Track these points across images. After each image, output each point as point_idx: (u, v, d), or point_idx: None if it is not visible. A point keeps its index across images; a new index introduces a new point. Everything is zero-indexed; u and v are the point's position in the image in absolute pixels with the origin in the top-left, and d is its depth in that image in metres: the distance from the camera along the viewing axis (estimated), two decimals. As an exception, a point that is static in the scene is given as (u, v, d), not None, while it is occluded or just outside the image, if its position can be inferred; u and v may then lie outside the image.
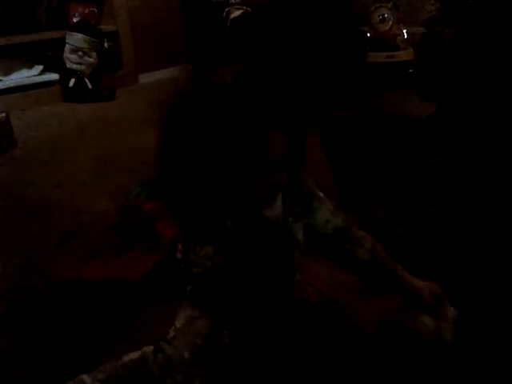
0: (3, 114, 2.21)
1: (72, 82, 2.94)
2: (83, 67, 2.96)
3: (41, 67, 3.02)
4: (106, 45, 3.13)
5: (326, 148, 1.63)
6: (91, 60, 2.98)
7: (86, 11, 3.10)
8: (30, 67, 2.97)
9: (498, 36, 1.29)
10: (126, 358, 0.75)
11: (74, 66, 2.93)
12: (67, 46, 2.92)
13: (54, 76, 3.01)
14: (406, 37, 2.87)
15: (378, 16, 2.90)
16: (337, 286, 1.13)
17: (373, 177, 1.54)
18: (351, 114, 1.79)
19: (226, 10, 2.43)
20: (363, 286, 1.03)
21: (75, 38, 2.92)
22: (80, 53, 2.92)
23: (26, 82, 2.90)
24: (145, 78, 3.44)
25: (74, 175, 1.92)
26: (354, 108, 2.35)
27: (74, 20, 3.05)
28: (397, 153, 1.53)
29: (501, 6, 1.27)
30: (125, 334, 1.00)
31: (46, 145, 2.29)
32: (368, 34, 2.88)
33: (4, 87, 2.83)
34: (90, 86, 2.97)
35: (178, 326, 0.80)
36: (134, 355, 0.76)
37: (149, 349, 0.75)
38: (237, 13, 2.33)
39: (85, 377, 0.73)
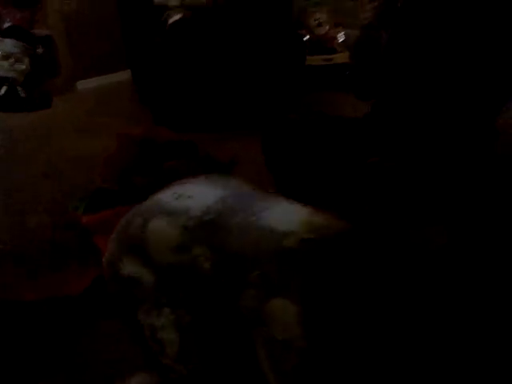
0: None
1: (3, 89, 2.81)
2: (15, 74, 2.83)
3: (-31, 75, 2.86)
4: (39, 50, 3.01)
5: (267, 150, 1.65)
6: (23, 67, 2.86)
7: (18, 16, 2.97)
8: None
9: (425, 38, 1.36)
10: None
11: (6, 74, 2.80)
12: (-2, 52, 2.80)
13: (-16, 84, 2.86)
14: (342, 40, 2.95)
15: (315, 20, 2.97)
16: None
17: (313, 179, 1.57)
18: (292, 117, 1.82)
19: (166, 13, 2.40)
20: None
21: (6, 44, 2.81)
22: (11, 59, 2.80)
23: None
24: (83, 85, 3.34)
25: (8, 191, 1.83)
26: (295, 110, 2.40)
27: (5, 25, 2.91)
28: (335, 154, 1.57)
29: (426, 9, 1.34)
30: (69, 356, 0.96)
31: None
32: (306, 38, 2.95)
33: None
34: (23, 94, 2.84)
35: None
36: None
37: None
38: (176, 16, 2.31)
39: None
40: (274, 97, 2.45)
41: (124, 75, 3.47)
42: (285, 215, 0.77)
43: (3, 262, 1.19)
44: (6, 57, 2.79)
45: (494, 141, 1.42)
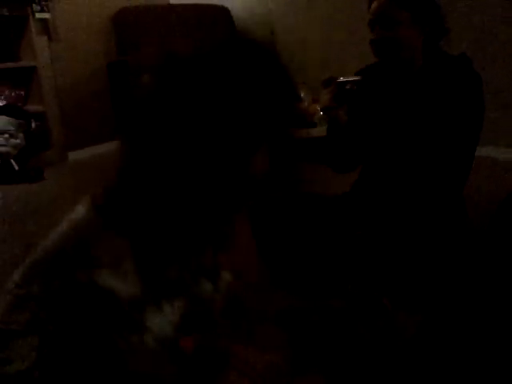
0: None
1: (-4, 163, 2.91)
2: (9, 149, 2.94)
3: (-36, 150, 2.96)
4: (33, 125, 3.15)
5: (255, 228, 1.74)
6: (18, 141, 2.98)
7: (13, 94, 3.13)
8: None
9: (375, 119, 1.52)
10: None
11: (0, 149, 2.91)
12: (-8, 128, 2.91)
13: (-22, 158, 2.95)
14: (321, 114, 3.15)
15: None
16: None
17: (300, 256, 1.64)
18: (278, 195, 1.91)
19: None
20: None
21: (1, 121, 2.92)
22: (6, 135, 2.92)
23: None
24: (74, 155, 3.46)
25: (3, 268, 1.88)
26: (279, 183, 2.52)
27: (0, 103, 3.05)
28: (317, 232, 1.66)
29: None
30: None
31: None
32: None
33: None
34: (16, 167, 2.94)
35: None
36: None
37: None
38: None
39: None
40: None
41: (113, 145, 3.61)
42: None
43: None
44: (1, 133, 2.90)
45: (464, 207, 1.55)
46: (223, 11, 3.52)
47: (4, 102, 3.06)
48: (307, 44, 3.41)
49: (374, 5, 1.37)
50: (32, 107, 3.22)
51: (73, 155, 3.46)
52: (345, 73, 1.46)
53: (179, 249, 0.80)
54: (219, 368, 1.05)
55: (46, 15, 3.14)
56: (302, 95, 3.17)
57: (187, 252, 0.83)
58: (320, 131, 3.00)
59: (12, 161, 2.95)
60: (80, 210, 0.79)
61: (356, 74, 1.58)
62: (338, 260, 1.56)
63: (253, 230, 1.73)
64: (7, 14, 2.99)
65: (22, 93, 3.21)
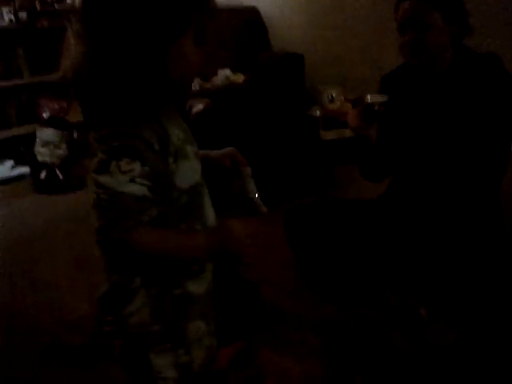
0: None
1: (43, 174, 3.05)
2: (54, 159, 3.08)
3: (11, 162, 3.13)
4: (75, 135, 3.28)
5: (289, 234, 1.78)
6: (61, 152, 3.12)
7: (56, 106, 3.27)
8: (1, 163, 3.07)
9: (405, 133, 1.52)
10: None
11: (46, 159, 3.06)
12: (38, 140, 3.06)
13: (25, 169, 3.12)
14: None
15: (327, 96, 3.18)
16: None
17: (336, 264, 1.66)
18: (312, 202, 1.93)
19: (188, 102, 2.60)
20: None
21: (46, 133, 3.06)
22: (51, 146, 3.06)
23: (-2, 177, 3.01)
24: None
25: (52, 277, 2.00)
26: (312, 188, 2.55)
27: (45, 115, 3.21)
28: (351, 239, 1.66)
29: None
30: None
31: (20, 243, 2.38)
32: (318, 114, 3.15)
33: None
34: (61, 176, 3.09)
35: None
36: None
37: None
38: (199, 107, 2.52)
39: None
40: (291, 173, 2.61)
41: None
42: None
43: (56, 357, 1.32)
44: (46, 144, 3.05)
45: (500, 211, 1.54)
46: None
47: (48, 114, 3.21)
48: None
49: (404, 7, 1.36)
50: (74, 117, 3.36)
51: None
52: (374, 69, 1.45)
53: None
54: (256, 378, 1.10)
55: (83, 28, 3.26)
56: (334, 95, 3.17)
57: None
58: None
59: (57, 171, 3.09)
60: None
61: (381, 81, 1.59)
62: (375, 267, 1.57)
63: (287, 238, 1.78)
64: (48, 26, 3.13)
65: (65, 104, 3.35)
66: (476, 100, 1.36)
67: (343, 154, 3.05)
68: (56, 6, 3.07)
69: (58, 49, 3.32)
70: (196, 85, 2.70)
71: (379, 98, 1.38)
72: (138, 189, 0.71)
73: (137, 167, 0.70)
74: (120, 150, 0.70)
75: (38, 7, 2.99)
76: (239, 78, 3.19)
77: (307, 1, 3.48)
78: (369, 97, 1.38)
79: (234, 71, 3.13)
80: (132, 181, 0.70)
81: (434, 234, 1.48)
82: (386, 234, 1.60)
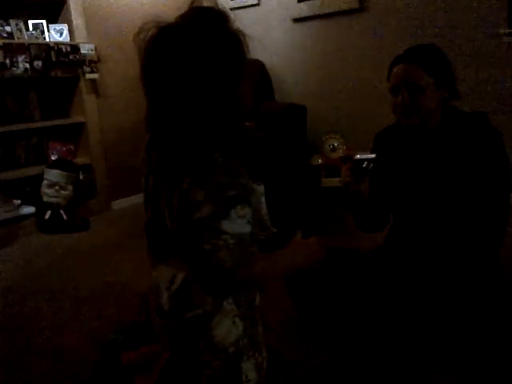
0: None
1: (48, 214, 3.10)
2: (59, 200, 3.14)
3: (18, 201, 3.18)
4: (81, 177, 3.35)
5: (289, 285, 1.79)
6: (67, 193, 3.18)
7: (64, 149, 3.36)
8: (8, 202, 3.12)
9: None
10: None
11: (51, 200, 3.11)
12: (45, 181, 3.12)
13: (31, 209, 3.16)
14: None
15: (329, 146, 3.28)
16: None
17: (337, 326, 1.65)
18: (314, 269, 1.94)
19: None
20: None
21: (53, 174, 3.13)
22: (57, 187, 3.12)
23: (4, 217, 3.04)
24: (117, 205, 3.65)
25: (54, 317, 2.01)
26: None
27: (53, 157, 3.28)
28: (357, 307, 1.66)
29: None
30: None
31: (23, 283, 2.39)
32: (320, 162, 3.23)
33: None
34: (65, 217, 3.13)
35: None
36: None
37: None
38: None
39: None
40: (293, 219, 2.65)
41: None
42: None
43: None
44: (52, 185, 3.11)
45: (499, 265, 1.55)
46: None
47: (56, 157, 3.28)
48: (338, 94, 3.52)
49: (398, 71, 1.43)
50: (80, 160, 3.44)
51: (116, 204, 3.65)
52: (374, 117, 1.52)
53: None
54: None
55: (94, 76, 3.40)
56: (335, 144, 3.27)
57: None
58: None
59: (61, 211, 3.14)
60: None
61: (375, 138, 1.65)
62: (374, 322, 1.57)
63: (287, 288, 1.78)
64: (61, 75, 3.26)
65: (72, 147, 3.44)
66: (464, 156, 1.40)
67: (344, 200, 3.12)
68: (71, 56, 3.21)
69: (69, 96, 3.45)
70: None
71: (368, 156, 1.44)
72: (250, 228, 0.84)
73: (248, 211, 0.82)
74: (236, 199, 0.80)
75: (53, 57, 3.12)
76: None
77: (314, 64, 3.63)
78: (358, 155, 1.44)
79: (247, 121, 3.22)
80: (248, 222, 0.82)
81: (432, 290, 1.49)
82: (385, 287, 1.61)
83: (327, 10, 3.46)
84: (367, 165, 1.41)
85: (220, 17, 0.86)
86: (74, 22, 3.29)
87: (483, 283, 1.47)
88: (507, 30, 2.82)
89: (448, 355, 1.39)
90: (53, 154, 3.30)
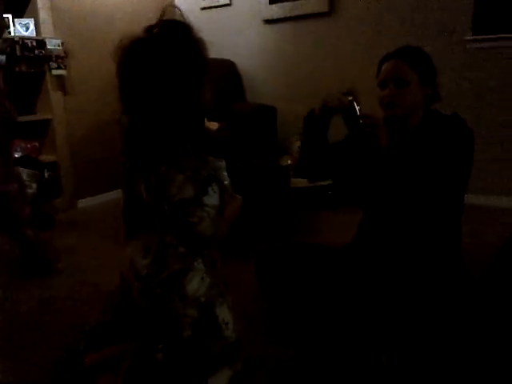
0: None
1: (11, 212, 3.00)
2: (23, 198, 3.04)
3: (-21, 199, 3.07)
4: (46, 175, 3.27)
5: (259, 275, 1.81)
6: (31, 191, 3.08)
7: (28, 146, 3.27)
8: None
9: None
10: None
11: (14, 198, 3.01)
12: (7, 178, 3.02)
13: (-7, 207, 3.05)
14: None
15: (298, 147, 3.29)
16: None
17: (301, 307, 1.68)
18: (281, 245, 1.97)
19: None
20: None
21: (16, 172, 3.03)
22: (20, 185, 3.02)
23: (-36, 215, 2.93)
24: (84, 203, 3.58)
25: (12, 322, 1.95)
26: (283, 232, 2.61)
27: (16, 155, 3.19)
28: (317, 282, 1.70)
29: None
30: None
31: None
32: (289, 163, 3.26)
33: None
34: (29, 216, 3.04)
35: None
36: None
37: None
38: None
39: None
40: (263, 219, 2.66)
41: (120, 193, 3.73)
42: None
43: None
44: (16, 183, 3.01)
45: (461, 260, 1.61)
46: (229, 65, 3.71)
47: (20, 154, 3.19)
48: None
49: (386, 67, 1.56)
50: (45, 157, 3.36)
51: (82, 203, 3.58)
52: None
53: None
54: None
55: (61, 72, 3.33)
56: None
57: None
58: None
59: (25, 209, 3.05)
60: None
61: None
62: (338, 315, 1.60)
63: (257, 277, 1.80)
64: (26, 70, 3.17)
65: (37, 144, 3.35)
66: (439, 153, 1.47)
67: (313, 200, 3.16)
68: (36, 51, 3.13)
69: (35, 92, 3.36)
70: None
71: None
72: (219, 200, 1.04)
73: (217, 187, 1.04)
74: (210, 178, 1.02)
75: (18, 52, 3.04)
76: (213, 125, 3.29)
77: (285, 65, 3.66)
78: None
79: (208, 119, 3.22)
80: (218, 196, 1.04)
81: (395, 280, 1.53)
82: (349, 279, 1.64)
83: (298, 13, 3.49)
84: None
85: (183, 29, 1.00)
86: (41, 17, 3.22)
87: (444, 269, 1.54)
88: (472, 37, 2.92)
89: (411, 348, 1.43)
90: (17, 151, 3.21)
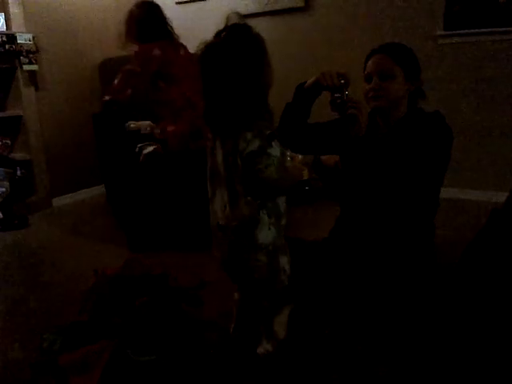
0: None
1: (-18, 212, 2.94)
2: (-5, 197, 2.98)
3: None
4: (18, 173, 3.21)
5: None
6: (3, 189, 3.03)
7: (0, 143, 3.19)
8: None
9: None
10: None
11: (-15, 197, 2.95)
12: (-21, 177, 2.96)
13: (-36, 207, 2.99)
14: (301, 158, 3.26)
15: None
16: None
17: None
18: None
19: (139, 146, 2.62)
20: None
21: (-13, 170, 2.97)
22: (-8, 183, 2.96)
23: None
24: (58, 201, 3.52)
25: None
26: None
27: (-13, 153, 3.12)
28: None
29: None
30: None
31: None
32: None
33: None
34: (0, 215, 2.98)
35: None
36: None
37: None
38: (149, 149, 2.55)
39: None
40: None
41: (97, 190, 3.69)
42: None
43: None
44: (-13, 181, 2.95)
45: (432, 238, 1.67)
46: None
47: (-9, 152, 3.12)
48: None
49: (371, 61, 1.62)
50: (18, 155, 3.29)
51: (57, 201, 3.52)
52: None
53: None
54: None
55: (33, 67, 3.26)
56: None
57: None
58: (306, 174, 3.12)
59: (-3, 208, 2.99)
60: None
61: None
62: (316, 304, 1.62)
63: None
64: (-4, 66, 3.10)
65: (9, 141, 3.28)
66: (419, 147, 1.51)
67: (290, 196, 3.16)
68: (6, 46, 3.06)
69: (5, 88, 3.27)
70: (147, 128, 2.72)
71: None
72: (281, 153, 1.29)
73: (278, 143, 1.28)
74: (272, 135, 1.26)
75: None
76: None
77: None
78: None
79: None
80: (280, 149, 1.28)
81: (370, 271, 1.57)
82: (327, 272, 1.67)
83: (273, 8, 3.49)
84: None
85: (244, 30, 1.27)
86: (11, 11, 3.14)
87: (416, 260, 1.58)
88: (443, 32, 2.96)
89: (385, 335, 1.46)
90: (-13, 149, 3.14)
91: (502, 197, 2.11)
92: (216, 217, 1.37)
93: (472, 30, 2.85)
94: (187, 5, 3.93)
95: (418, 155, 1.49)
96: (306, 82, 1.63)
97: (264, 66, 1.29)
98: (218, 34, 1.28)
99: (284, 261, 1.37)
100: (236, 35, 1.25)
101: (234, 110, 1.25)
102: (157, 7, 2.67)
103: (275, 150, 1.25)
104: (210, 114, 1.31)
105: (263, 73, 1.29)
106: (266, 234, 1.30)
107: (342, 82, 1.51)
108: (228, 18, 1.32)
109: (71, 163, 3.60)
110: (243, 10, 3.57)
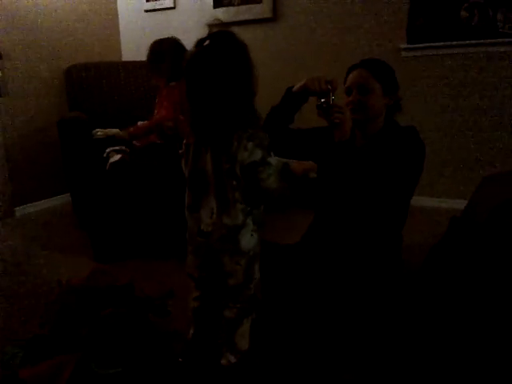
0: None
1: None
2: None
3: None
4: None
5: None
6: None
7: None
8: None
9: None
10: None
11: None
12: None
13: None
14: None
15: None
16: None
17: None
18: None
19: (107, 151, 2.57)
20: None
21: None
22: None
23: None
24: (21, 211, 3.42)
25: None
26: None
27: None
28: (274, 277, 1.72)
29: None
30: None
31: None
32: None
33: None
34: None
35: None
36: None
37: None
38: (116, 157, 2.50)
39: None
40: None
41: (63, 199, 3.61)
42: None
43: None
44: None
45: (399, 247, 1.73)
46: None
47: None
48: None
49: (352, 75, 1.69)
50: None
51: (20, 210, 3.42)
52: None
53: None
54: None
55: (-4, 73, 3.17)
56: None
57: None
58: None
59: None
60: None
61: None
62: (290, 312, 1.64)
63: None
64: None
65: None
66: (393, 159, 1.57)
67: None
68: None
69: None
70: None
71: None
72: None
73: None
74: (270, 145, 1.27)
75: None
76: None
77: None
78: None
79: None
80: (277, 159, 1.28)
81: (339, 275, 1.61)
82: (299, 276, 1.68)
83: (242, 18, 3.52)
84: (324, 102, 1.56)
85: (227, 36, 1.24)
86: (-27, 15, 3.06)
87: (383, 264, 1.64)
88: (406, 45, 3.05)
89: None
90: None
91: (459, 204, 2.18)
92: (197, 223, 1.35)
93: (435, 44, 2.95)
94: (156, 13, 3.92)
95: (391, 168, 1.54)
96: (293, 86, 1.67)
97: (251, 71, 1.28)
98: (199, 43, 1.25)
99: (256, 269, 1.39)
100: (221, 42, 1.24)
101: (225, 118, 1.24)
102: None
103: (274, 160, 1.27)
104: (198, 122, 1.29)
105: (251, 79, 1.28)
106: (248, 240, 1.31)
107: (329, 87, 1.55)
108: (210, 26, 1.32)
109: (35, 171, 3.51)
110: (212, 20, 3.59)
